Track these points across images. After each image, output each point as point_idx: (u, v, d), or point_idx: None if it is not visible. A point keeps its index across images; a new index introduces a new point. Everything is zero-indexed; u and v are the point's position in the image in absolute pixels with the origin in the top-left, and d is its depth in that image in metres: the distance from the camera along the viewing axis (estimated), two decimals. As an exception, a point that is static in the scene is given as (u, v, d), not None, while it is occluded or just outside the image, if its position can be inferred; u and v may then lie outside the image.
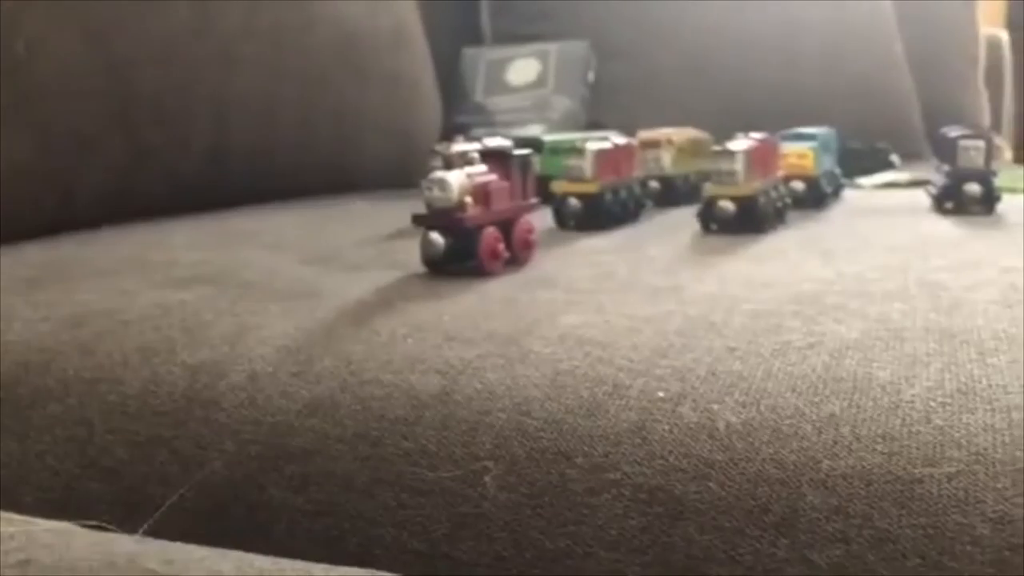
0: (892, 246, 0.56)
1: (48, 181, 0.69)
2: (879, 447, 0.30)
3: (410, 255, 0.50)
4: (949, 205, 0.70)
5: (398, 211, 0.66)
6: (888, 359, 0.35)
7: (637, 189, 0.68)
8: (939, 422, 0.31)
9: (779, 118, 0.95)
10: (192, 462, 0.36)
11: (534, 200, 0.54)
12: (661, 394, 0.34)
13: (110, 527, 0.33)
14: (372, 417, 0.35)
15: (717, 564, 0.30)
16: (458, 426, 0.34)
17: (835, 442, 0.31)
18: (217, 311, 0.43)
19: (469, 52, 1.35)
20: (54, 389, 0.39)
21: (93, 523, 0.32)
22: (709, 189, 0.61)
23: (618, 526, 0.31)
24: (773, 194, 0.63)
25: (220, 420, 0.36)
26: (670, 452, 0.31)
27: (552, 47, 1.32)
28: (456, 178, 0.48)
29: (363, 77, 0.99)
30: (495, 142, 0.59)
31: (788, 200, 0.66)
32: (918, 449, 0.30)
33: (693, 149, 0.78)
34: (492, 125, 1.25)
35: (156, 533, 0.33)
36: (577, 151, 0.63)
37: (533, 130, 1.21)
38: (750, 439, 0.31)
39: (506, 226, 0.51)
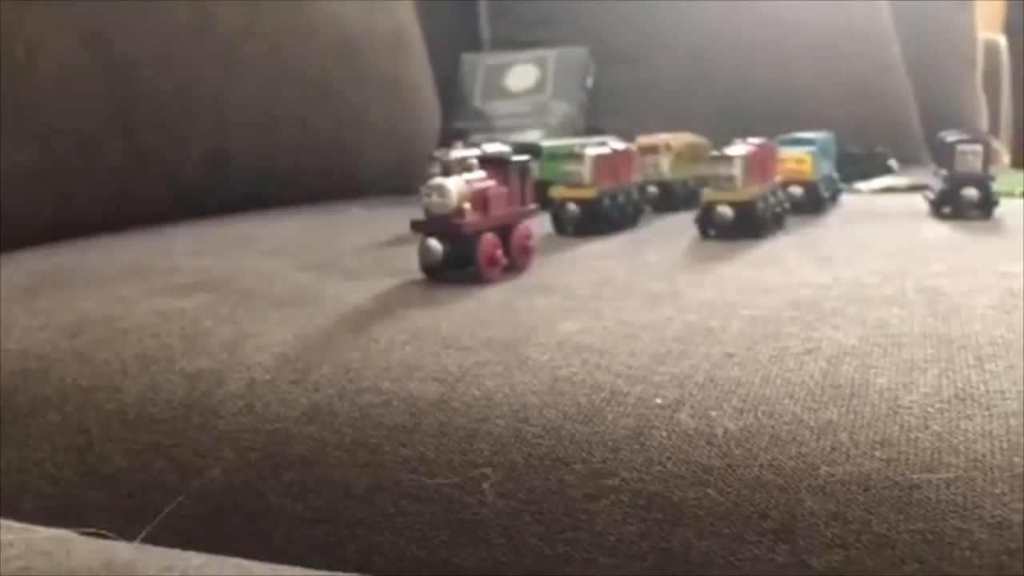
0: (890, 251, 0.56)
1: (47, 184, 0.69)
2: (877, 453, 0.30)
3: (408, 262, 0.50)
4: (947, 210, 0.70)
5: (396, 217, 0.66)
6: (886, 365, 0.35)
7: (635, 194, 0.69)
8: (937, 428, 0.31)
9: (777, 123, 0.95)
10: (191, 469, 0.36)
11: (533, 206, 0.54)
12: (659, 400, 0.34)
13: (109, 534, 0.33)
14: (370, 424, 0.35)
15: (716, 570, 0.30)
16: (456, 433, 0.34)
17: (833, 448, 0.31)
18: (216, 319, 0.43)
19: (468, 58, 1.35)
20: (53, 397, 0.39)
21: (92, 530, 0.32)
22: (707, 194, 0.61)
23: (617, 532, 0.31)
24: (771, 199, 0.63)
25: (219, 428, 0.36)
26: (668, 458, 0.31)
27: (551, 53, 1.32)
28: (455, 184, 0.48)
29: (362, 82, 0.99)
30: (493, 148, 0.59)
31: (786, 205, 0.66)
32: (916, 455, 0.30)
33: (691, 154, 0.79)
34: (491, 131, 1.25)
35: (155, 540, 0.33)
36: (575, 157, 0.63)
37: (532, 136, 1.21)
38: (748, 445, 0.31)
39: (504, 232, 0.51)
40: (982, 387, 0.33)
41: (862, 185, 1.01)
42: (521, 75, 1.31)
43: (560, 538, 0.31)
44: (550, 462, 0.32)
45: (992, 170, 0.70)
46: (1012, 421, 0.31)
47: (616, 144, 0.67)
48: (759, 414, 0.32)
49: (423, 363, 0.37)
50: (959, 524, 0.28)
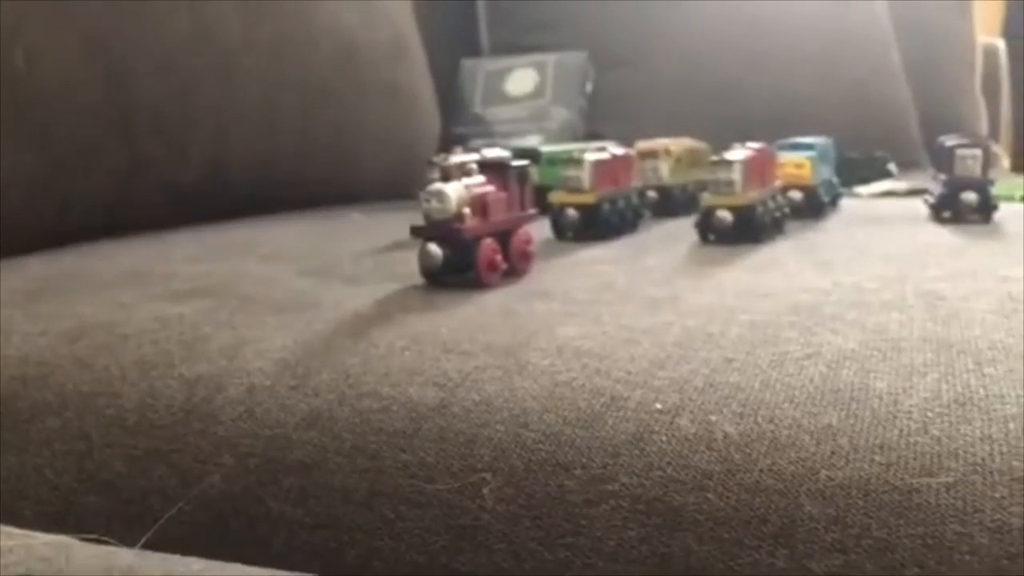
0: (889, 256, 0.56)
1: (47, 190, 0.69)
2: (877, 457, 0.30)
3: (408, 267, 0.50)
4: (947, 214, 0.70)
5: (396, 223, 0.66)
6: (885, 370, 0.35)
7: (635, 199, 0.69)
8: (936, 432, 0.31)
9: (777, 128, 0.95)
10: (190, 475, 0.36)
11: (532, 211, 0.54)
12: (659, 406, 0.34)
13: (109, 540, 0.33)
14: (370, 430, 0.35)
15: (716, 574, 0.30)
16: (456, 438, 0.34)
17: (833, 452, 0.31)
18: (215, 324, 0.43)
19: (467, 63, 1.36)
20: (52, 403, 0.39)
21: (92, 536, 0.32)
22: (707, 199, 0.61)
23: (616, 537, 0.31)
24: (771, 204, 0.63)
25: (218, 433, 0.36)
26: (668, 463, 0.32)
27: (550, 58, 1.32)
28: (454, 190, 0.48)
29: (362, 89, 0.99)
30: (493, 153, 0.59)
31: (786, 210, 0.66)
32: (916, 459, 0.30)
33: (691, 159, 0.79)
34: (490, 136, 1.25)
35: (155, 546, 0.33)
36: (575, 162, 0.63)
37: (531, 141, 1.21)
38: (748, 450, 0.31)
39: (504, 237, 0.51)
40: (982, 391, 0.33)
41: (862, 189, 1.02)
42: (520, 80, 1.31)
43: (560, 543, 0.31)
44: (550, 467, 0.32)
45: (991, 174, 0.70)
46: (1011, 425, 0.31)
47: (615, 149, 0.67)
48: (759, 419, 0.32)
49: (423, 368, 0.37)
50: (959, 528, 0.28)
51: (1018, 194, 0.90)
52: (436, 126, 1.17)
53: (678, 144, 0.78)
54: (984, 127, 1.70)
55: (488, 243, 0.49)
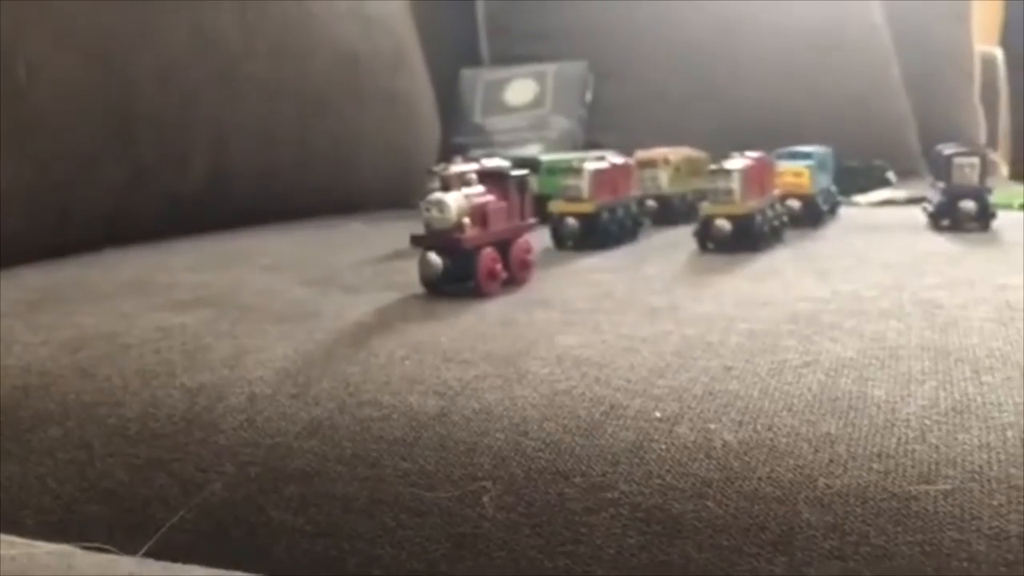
0: (888, 264, 0.56)
1: (48, 201, 0.69)
2: (875, 465, 0.30)
3: (408, 276, 0.51)
4: (945, 222, 0.70)
5: (396, 232, 0.66)
6: (883, 378, 0.35)
7: (634, 208, 0.69)
8: (934, 440, 0.31)
9: (775, 137, 0.95)
10: (192, 484, 0.36)
11: (532, 220, 0.54)
12: (658, 414, 0.34)
13: (111, 549, 0.33)
14: (371, 438, 0.35)
15: (715, 583, 0.30)
16: (456, 447, 0.34)
17: (831, 460, 0.31)
18: (216, 334, 0.44)
19: (467, 73, 1.36)
20: (54, 412, 0.40)
21: (94, 545, 0.32)
22: (706, 208, 0.61)
23: (616, 545, 0.31)
24: (770, 213, 0.63)
25: (220, 442, 0.36)
26: (667, 471, 0.32)
27: (550, 68, 1.33)
28: (454, 199, 0.48)
29: (362, 99, 0.99)
30: (493, 163, 0.59)
31: (785, 218, 0.67)
32: (914, 467, 0.30)
33: (690, 168, 0.79)
34: (490, 145, 1.25)
35: (156, 555, 0.34)
36: (574, 171, 0.63)
37: (531, 150, 1.22)
38: (747, 458, 0.31)
39: (504, 246, 0.51)
40: (979, 399, 0.33)
41: (860, 198, 1.02)
42: (520, 90, 1.32)
43: (560, 551, 0.31)
44: (550, 475, 0.32)
45: (989, 182, 0.70)
46: (1009, 433, 0.31)
47: (615, 158, 0.68)
48: (757, 427, 0.32)
49: (423, 377, 0.38)
50: (957, 536, 0.29)
51: (1016, 202, 0.90)
52: (436, 136, 1.17)
53: (677, 153, 0.78)
54: (982, 135, 1.70)
55: (488, 252, 0.49)
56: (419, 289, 0.50)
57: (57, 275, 0.61)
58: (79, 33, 0.71)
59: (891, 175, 1.13)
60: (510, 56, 1.38)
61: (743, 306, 0.45)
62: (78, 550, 0.30)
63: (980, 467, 0.30)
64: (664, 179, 0.76)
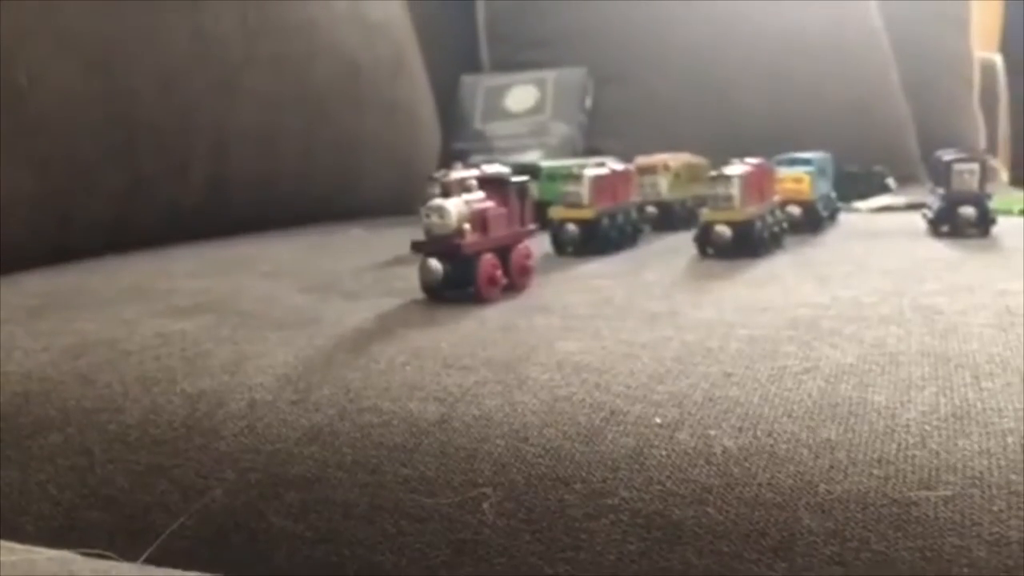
0: (888, 270, 0.56)
1: (48, 209, 0.69)
2: (875, 471, 0.30)
3: (408, 282, 0.51)
4: (945, 228, 0.70)
5: (396, 238, 0.66)
6: (883, 383, 0.35)
7: (634, 214, 0.69)
8: (935, 446, 0.31)
9: (775, 143, 0.95)
10: (192, 490, 0.36)
11: (532, 226, 0.54)
12: (658, 420, 0.34)
13: (111, 555, 0.33)
14: (371, 444, 0.35)
15: (715, 589, 0.30)
16: (456, 453, 0.34)
17: (831, 466, 0.31)
18: (217, 340, 0.44)
19: (468, 80, 1.36)
20: (55, 418, 0.40)
21: (94, 552, 0.32)
22: (706, 214, 0.61)
23: (616, 551, 0.31)
24: (769, 219, 0.64)
25: (220, 448, 0.36)
26: (668, 477, 0.32)
27: (550, 74, 1.33)
28: (454, 205, 0.48)
29: (362, 106, 0.99)
30: (493, 169, 0.59)
31: (784, 224, 0.67)
32: (914, 473, 0.30)
33: (690, 174, 0.79)
34: (491, 151, 1.25)
35: (157, 561, 0.34)
36: (574, 177, 0.63)
37: (531, 156, 1.22)
38: (747, 464, 0.31)
39: (504, 252, 0.51)
40: (979, 405, 0.33)
41: (860, 204, 1.02)
42: (520, 96, 1.32)
43: (560, 557, 0.31)
44: (550, 482, 0.32)
45: (989, 188, 0.70)
46: (1010, 439, 0.31)
47: (615, 164, 0.68)
48: (758, 433, 0.32)
49: (423, 383, 0.38)
50: (957, 542, 0.29)
51: (1016, 208, 0.90)
52: (436, 142, 1.17)
53: (677, 159, 0.78)
54: (982, 141, 1.71)
55: (488, 258, 0.49)
56: (419, 295, 0.50)
57: (58, 281, 0.61)
58: (80, 40, 0.71)
59: (891, 181, 1.13)
60: (510, 62, 1.39)
61: (743, 312, 0.45)
62: (78, 556, 0.30)
63: (980, 473, 0.30)
64: (664, 185, 0.76)
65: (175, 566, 0.33)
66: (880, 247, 0.66)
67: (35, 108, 0.67)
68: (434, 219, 0.48)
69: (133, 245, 0.73)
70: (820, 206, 0.75)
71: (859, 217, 0.90)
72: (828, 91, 1.40)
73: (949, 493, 0.29)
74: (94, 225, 0.73)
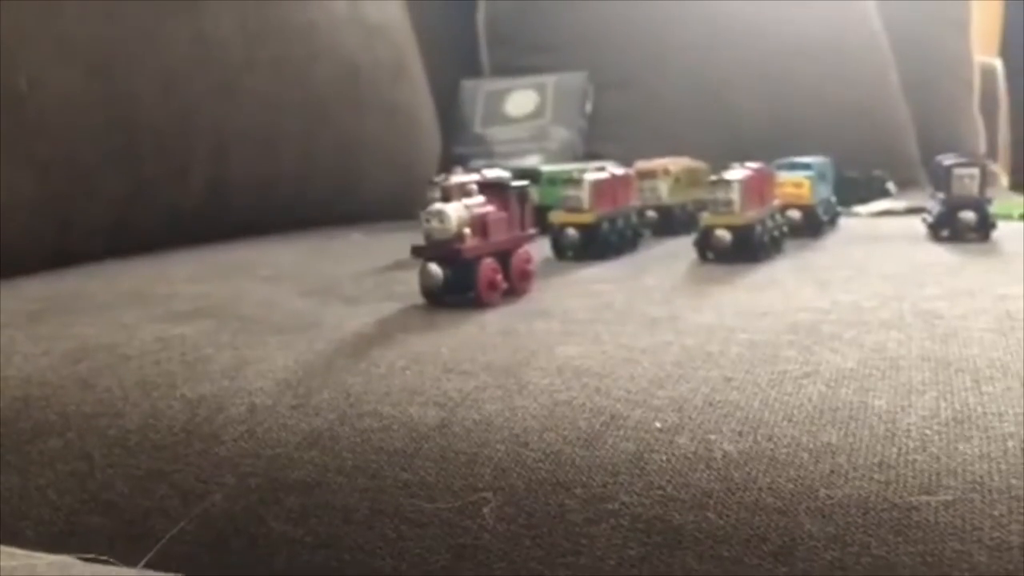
0: (888, 274, 0.56)
1: (48, 214, 0.69)
2: (876, 475, 0.30)
3: (408, 286, 0.51)
4: (945, 233, 0.70)
5: (397, 243, 0.66)
6: (884, 388, 0.35)
7: (634, 219, 0.69)
8: (935, 450, 0.31)
9: (775, 147, 0.95)
10: (192, 495, 0.36)
11: (532, 231, 0.54)
12: (658, 424, 0.34)
13: (111, 560, 0.33)
14: (371, 449, 0.35)
15: (716, 594, 0.30)
16: (457, 458, 0.34)
17: (832, 471, 0.31)
18: (217, 345, 0.44)
19: (468, 84, 1.36)
20: (54, 423, 0.40)
21: (94, 556, 0.32)
22: (706, 218, 0.61)
23: (616, 556, 0.31)
24: (770, 223, 0.64)
25: (220, 453, 0.36)
26: (668, 482, 0.32)
27: (550, 79, 1.33)
28: (454, 210, 0.48)
29: (363, 110, 1.00)
30: (493, 173, 0.59)
31: (785, 229, 0.67)
32: (914, 477, 0.30)
33: (690, 179, 0.79)
34: (491, 156, 1.25)
35: (157, 566, 0.34)
36: (574, 181, 0.63)
37: (531, 161, 1.22)
38: (747, 468, 0.31)
39: (504, 257, 0.51)
40: (980, 409, 0.33)
41: (860, 209, 1.02)
42: (520, 101, 1.32)
43: (560, 562, 0.31)
44: (550, 486, 0.32)
45: (989, 193, 0.70)
46: (1010, 443, 0.31)
47: (615, 169, 0.68)
48: (758, 437, 0.32)
49: (423, 388, 0.38)
50: (958, 546, 0.28)
51: (1016, 212, 0.90)
52: (436, 146, 1.17)
53: (677, 164, 0.79)
54: (982, 146, 1.71)
55: (488, 263, 0.49)
56: (419, 300, 0.50)
57: (58, 286, 0.61)
58: (80, 44, 0.71)
59: (891, 185, 1.13)
60: (510, 67, 1.39)
61: (743, 316, 0.45)
62: (78, 561, 0.30)
63: (981, 477, 0.30)
64: (664, 189, 0.76)
65: (175, 571, 0.33)
66: (880, 251, 0.66)
67: (35, 112, 0.67)
68: (434, 223, 0.48)
69: (133, 249, 0.73)
70: (820, 210, 0.75)
71: (859, 221, 0.90)
72: (828, 95, 1.40)
73: (950, 498, 0.29)
74: (94, 229, 0.73)
